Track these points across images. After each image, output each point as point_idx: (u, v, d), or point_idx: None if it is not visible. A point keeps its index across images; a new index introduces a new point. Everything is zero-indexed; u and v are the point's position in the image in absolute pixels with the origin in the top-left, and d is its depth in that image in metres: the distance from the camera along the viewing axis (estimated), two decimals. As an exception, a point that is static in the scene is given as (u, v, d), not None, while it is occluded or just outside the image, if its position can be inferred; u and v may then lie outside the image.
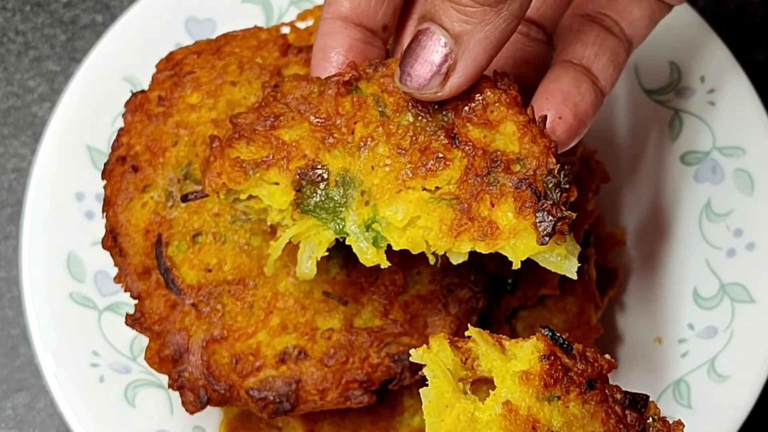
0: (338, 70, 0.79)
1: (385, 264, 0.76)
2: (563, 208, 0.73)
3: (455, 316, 0.89)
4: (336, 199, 0.76)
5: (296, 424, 0.95)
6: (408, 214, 0.75)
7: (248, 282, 0.88)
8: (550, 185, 0.73)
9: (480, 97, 0.76)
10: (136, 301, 0.90)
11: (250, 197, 0.78)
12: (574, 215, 0.73)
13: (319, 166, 0.77)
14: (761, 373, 1.00)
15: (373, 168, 0.76)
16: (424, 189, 0.75)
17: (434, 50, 0.73)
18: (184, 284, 0.88)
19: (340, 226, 0.76)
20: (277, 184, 0.77)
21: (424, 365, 0.71)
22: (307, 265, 0.78)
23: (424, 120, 0.76)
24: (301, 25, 0.97)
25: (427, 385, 0.70)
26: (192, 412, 0.88)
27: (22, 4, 1.21)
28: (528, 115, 0.75)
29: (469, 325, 0.73)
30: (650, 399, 0.71)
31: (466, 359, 0.71)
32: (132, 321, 0.89)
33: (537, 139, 0.74)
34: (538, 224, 0.72)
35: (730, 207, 1.06)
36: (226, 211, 0.90)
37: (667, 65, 1.09)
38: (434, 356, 0.71)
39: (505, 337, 0.72)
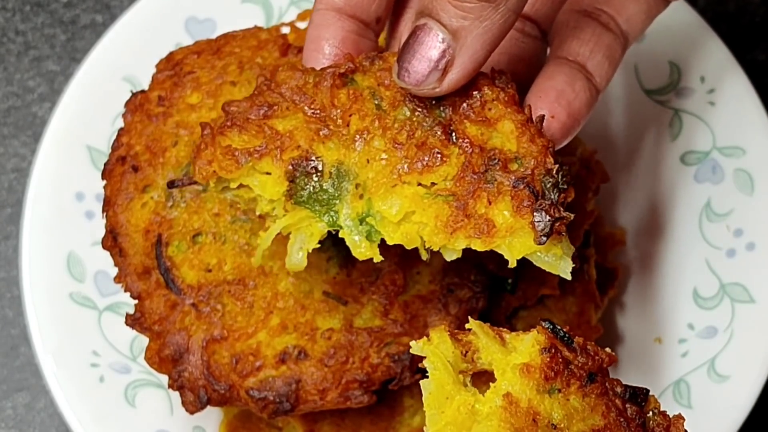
0: (332, 62, 0.79)
1: (378, 258, 0.76)
2: (561, 209, 0.73)
3: (455, 316, 0.89)
4: (330, 191, 0.76)
5: (296, 424, 0.95)
6: (403, 209, 0.74)
7: (248, 282, 0.88)
8: (548, 185, 0.73)
9: (478, 95, 0.75)
10: (136, 301, 0.89)
11: (240, 186, 0.77)
12: (572, 216, 0.73)
13: (314, 158, 0.76)
14: (761, 373, 1.00)
15: (368, 161, 0.75)
16: (420, 184, 0.74)
17: (432, 46, 0.72)
18: (184, 284, 0.88)
19: (334, 219, 0.76)
20: (269, 174, 0.76)
21: (424, 358, 0.70)
22: (297, 257, 0.77)
23: (421, 115, 0.76)
24: (301, 25, 0.97)
25: (427, 377, 0.70)
26: (192, 412, 0.88)
27: (22, 4, 1.21)
28: (526, 114, 0.75)
29: (469, 317, 0.73)
30: (650, 393, 0.71)
31: (467, 352, 0.71)
32: (132, 321, 0.89)
33: (535, 138, 0.74)
34: (536, 224, 0.72)
35: (730, 207, 1.05)
36: (226, 211, 0.90)
37: (667, 65, 1.08)
38: (435, 348, 0.70)
39: (505, 330, 0.72)
